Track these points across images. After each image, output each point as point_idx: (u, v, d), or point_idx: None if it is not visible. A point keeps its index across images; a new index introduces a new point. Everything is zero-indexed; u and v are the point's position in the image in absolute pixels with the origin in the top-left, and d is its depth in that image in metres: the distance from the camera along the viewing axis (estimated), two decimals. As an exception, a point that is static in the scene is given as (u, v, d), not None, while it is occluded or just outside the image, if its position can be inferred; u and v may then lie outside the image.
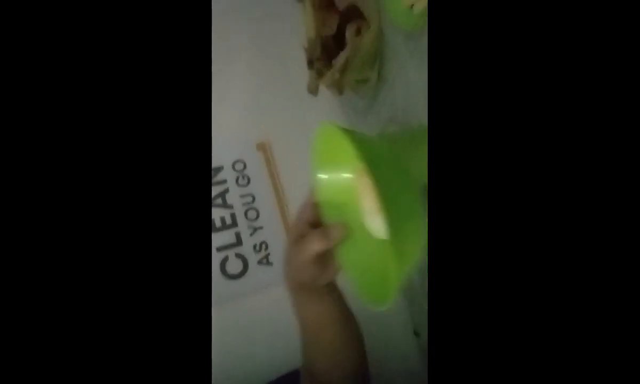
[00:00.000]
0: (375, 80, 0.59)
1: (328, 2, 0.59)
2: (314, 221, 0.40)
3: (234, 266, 0.70)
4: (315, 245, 0.37)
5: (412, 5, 0.44)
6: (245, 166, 0.75)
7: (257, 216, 0.73)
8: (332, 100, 0.78)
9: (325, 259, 0.38)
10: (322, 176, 0.41)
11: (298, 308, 0.43)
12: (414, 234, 0.31)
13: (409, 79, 0.53)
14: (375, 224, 0.36)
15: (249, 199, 0.74)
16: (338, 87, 0.61)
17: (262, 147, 0.77)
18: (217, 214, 0.71)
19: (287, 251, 0.40)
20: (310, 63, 0.65)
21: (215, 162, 0.74)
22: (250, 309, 0.68)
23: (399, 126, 0.59)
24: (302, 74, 0.69)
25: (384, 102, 0.62)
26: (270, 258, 0.72)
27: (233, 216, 0.72)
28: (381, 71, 0.58)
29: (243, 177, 0.75)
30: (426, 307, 0.66)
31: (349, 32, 0.56)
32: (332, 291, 0.43)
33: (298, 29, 0.72)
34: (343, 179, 0.40)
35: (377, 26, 0.53)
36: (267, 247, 0.72)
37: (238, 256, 0.71)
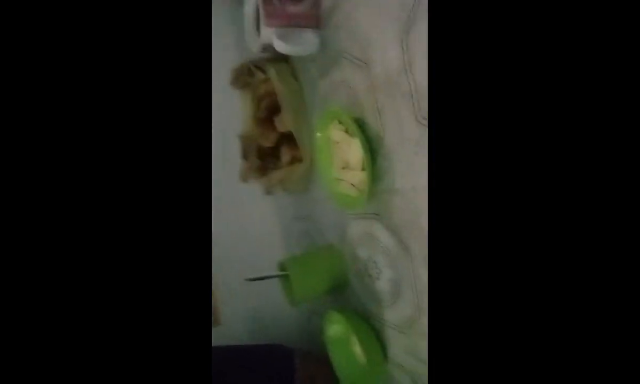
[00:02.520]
0: (303, 190, 0.70)
1: (269, 118, 0.67)
2: None
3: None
4: None
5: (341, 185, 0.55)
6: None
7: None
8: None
9: None
10: None
11: None
12: None
13: (327, 214, 0.65)
14: None
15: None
16: (268, 191, 0.70)
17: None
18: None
19: None
20: (245, 154, 0.73)
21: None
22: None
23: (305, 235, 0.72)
24: (229, 140, 0.75)
25: (303, 208, 0.73)
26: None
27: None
28: (310, 186, 0.69)
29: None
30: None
31: (284, 158, 0.65)
32: None
33: (228, 102, 0.77)
34: None
35: (308, 163, 0.63)
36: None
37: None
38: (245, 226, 0.85)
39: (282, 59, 0.64)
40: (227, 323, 0.83)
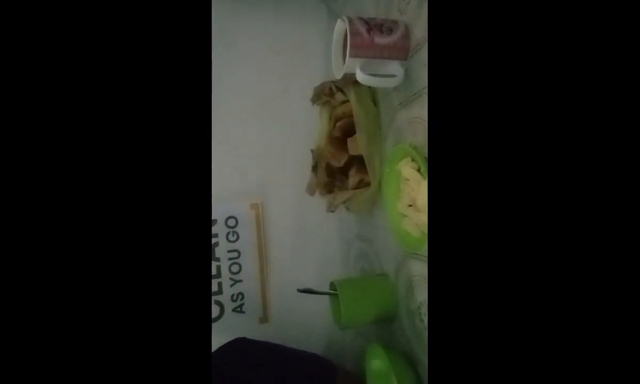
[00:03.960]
0: (366, 213, 0.70)
1: (342, 138, 0.67)
2: None
3: (213, 310, 0.82)
4: None
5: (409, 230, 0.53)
6: (237, 223, 0.84)
7: (239, 270, 0.84)
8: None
9: None
10: None
11: None
12: None
13: (387, 242, 0.64)
14: None
15: (235, 254, 0.84)
16: (331, 208, 0.71)
17: (255, 207, 0.86)
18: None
19: None
20: (314, 168, 0.74)
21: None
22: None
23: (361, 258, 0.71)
24: (303, 151, 0.78)
25: (365, 229, 0.73)
26: (244, 307, 0.85)
27: (218, 268, 0.83)
28: (373, 210, 0.68)
29: (233, 234, 0.84)
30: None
31: (352, 180, 0.65)
32: None
33: (309, 115, 0.79)
34: None
35: (375, 188, 0.63)
36: (242, 298, 0.85)
37: (217, 302, 0.83)
38: (308, 236, 0.87)
39: (363, 83, 0.64)
40: (276, 324, 0.86)
